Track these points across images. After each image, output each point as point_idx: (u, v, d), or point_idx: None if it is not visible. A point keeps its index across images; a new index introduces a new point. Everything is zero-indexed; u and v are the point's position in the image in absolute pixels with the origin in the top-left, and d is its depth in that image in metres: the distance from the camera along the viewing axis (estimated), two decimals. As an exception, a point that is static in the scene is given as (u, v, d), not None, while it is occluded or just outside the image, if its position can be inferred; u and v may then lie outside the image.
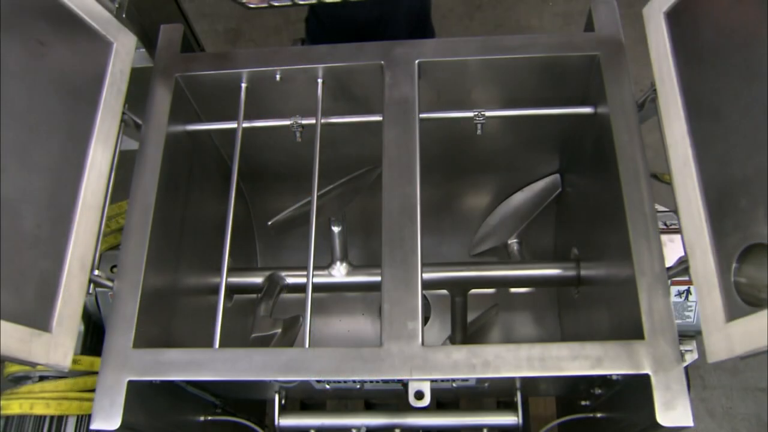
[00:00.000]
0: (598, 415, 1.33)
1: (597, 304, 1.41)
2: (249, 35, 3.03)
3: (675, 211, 1.10)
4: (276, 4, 1.25)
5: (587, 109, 1.36)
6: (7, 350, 0.95)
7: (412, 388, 1.07)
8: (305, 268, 1.19)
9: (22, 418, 1.32)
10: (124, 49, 1.31)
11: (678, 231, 1.09)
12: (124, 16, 1.38)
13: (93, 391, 1.09)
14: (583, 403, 1.37)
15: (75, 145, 1.17)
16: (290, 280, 1.37)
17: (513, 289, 2.00)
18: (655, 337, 1.04)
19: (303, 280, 1.19)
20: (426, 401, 1.06)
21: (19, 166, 1.03)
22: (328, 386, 1.24)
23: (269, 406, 1.37)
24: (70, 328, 1.08)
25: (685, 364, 1.03)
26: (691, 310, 1.34)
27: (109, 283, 1.17)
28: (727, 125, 0.98)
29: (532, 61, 1.33)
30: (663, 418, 0.99)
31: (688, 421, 0.98)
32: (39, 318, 1.03)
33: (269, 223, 1.26)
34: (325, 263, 1.30)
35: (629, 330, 1.10)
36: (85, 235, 1.14)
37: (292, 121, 1.33)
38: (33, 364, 1.01)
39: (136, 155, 1.29)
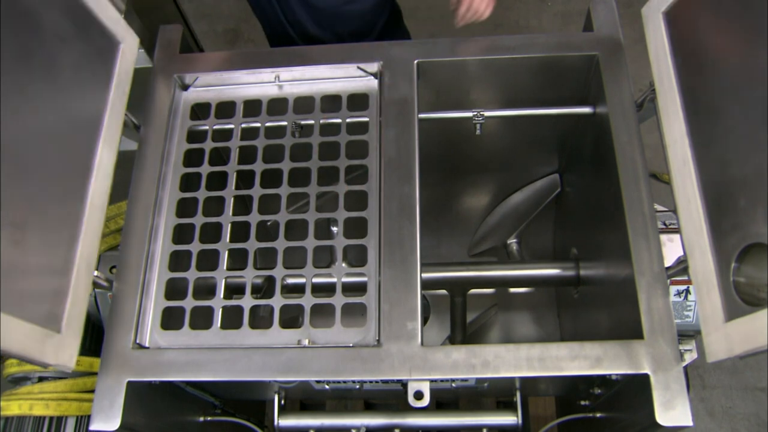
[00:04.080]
0: (598, 414, 1.33)
1: (596, 303, 1.41)
2: (248, 35, 3.03)
3: (674, 210, 1.10)
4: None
5: (586, 109, 1.36)
6: (23, 350, 0.95)
7: (412, 389, 1.07)
8: (305, 268, 1.19)
9: (21, 419, 1.32)
10: (129, 50, 1.31)
11: (677, 231, 1.09)
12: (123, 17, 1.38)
13: (92, 391, 1.10)
14: (582, 403, 1.37)
15: (84, 145, 1.17)
16: (290, 281, 1.37)
17: (512, 289, 2.00)
18: (655, 337, 1.04)
19: (303, 280, 1.19)
20: (425, 401, 1.06)
21: (38, 163, 1.03)
22: (327, 386, 1.25)
23: (269, 406, 1.37)
24: (77, 328, 1.08)
25: (684, 363, 1.03)
26: (690, 310, 1.34)
27: (106, 284, 1.17)
28: (726, 125, 0.98)
29: (531, 61, 1.33)
30: (662, 417, 0.99)
31: (687, 421, 0.98)
32: (51, 319, 1.03)
33: (268, 223, 1.26)
34: (325, 263, 1.30)
35: (628, 330, 1.10)
36: (90, 235, 1.14)
37: (290, 121, 1.33)
38: (45, 365, 1.01)
39: (136, 155, 1.29)
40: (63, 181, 1.11)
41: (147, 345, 1.15)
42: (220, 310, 1.17)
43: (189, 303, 1.18)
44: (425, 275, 1.29)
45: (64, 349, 1.04)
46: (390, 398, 1.79)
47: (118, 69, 1.27)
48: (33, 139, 1.02)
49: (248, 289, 1.18)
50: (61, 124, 1.10)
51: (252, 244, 1.22)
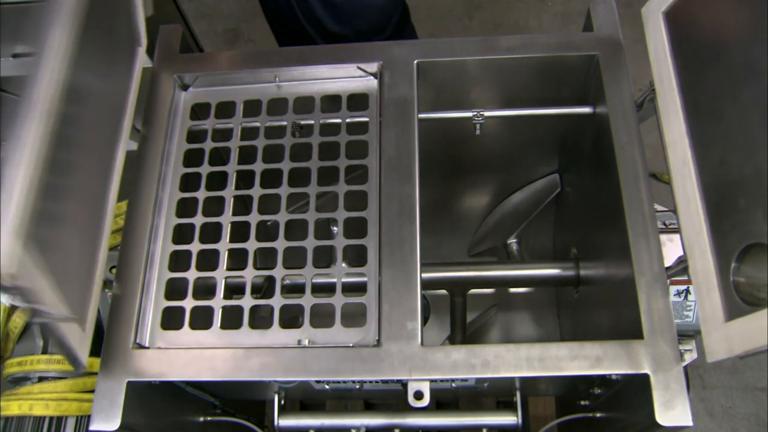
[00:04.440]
0: (598, 414, 1.33)
1: (596, 304, 1.41)
2: (248, 36, 3.03)
3: (674, 210, 1.10)
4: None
5: (586, 109, 1.36)
6: (77, 350, 0.98)
7: (412, 389, 1.07)
8: (305, 268, 1.19)
9: (21, 419, 1.32)
10: (143, 52, 1.33)
11: (677, 230, 1.09)
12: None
13: (92, 391, 1.10)
14: (582, 402, 1.37)
15: (111, 145, 1.19)
16: (290, 281, 1.37)
17: (512, 289, 2.00)
18: (655, 337, 1.04)
19: (303, 280, 1.19)
20: (425, 401, 1.06)
21: (84, 164, 1.05)
22: (327, 386, 1.24)
23: (269, 406, 1.37)
24: (92, 328, 1.10)
25: (684, 363, 1.03)
26: (690, 310, 1.34)
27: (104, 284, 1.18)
28: (726, 125, 0.99)
29: (531, 61, 1.33)
30: (662, 417, 0.99)
31: (687, 421, 0.98)
32: (82, 319, 1.05)
33: (268, 223, 1.26)
34: (324, 263, 1.31)
35: (628, 330, 1.10)
36: (107, 236, 1.15)
37: (290, 121, 1.33)
38: (82, 367, 1.03)
39: (136, 155, 1.29)
40: (96, 183, 1.12)
41: (147, 345, 1.15)
42: (220, 310, 1.17)
43: (189, 303, 1.18)
44: (425, 275, 1.29)
45: (84, 348, 1.05)
46: (390, 398, 1.79)
47: (136, 70, 1.28)
48: (81, 138, 1.04)
49: (248, 289, 1.19)
50: (100, 124, 1.12)
51: (252, 244, 1.22)
